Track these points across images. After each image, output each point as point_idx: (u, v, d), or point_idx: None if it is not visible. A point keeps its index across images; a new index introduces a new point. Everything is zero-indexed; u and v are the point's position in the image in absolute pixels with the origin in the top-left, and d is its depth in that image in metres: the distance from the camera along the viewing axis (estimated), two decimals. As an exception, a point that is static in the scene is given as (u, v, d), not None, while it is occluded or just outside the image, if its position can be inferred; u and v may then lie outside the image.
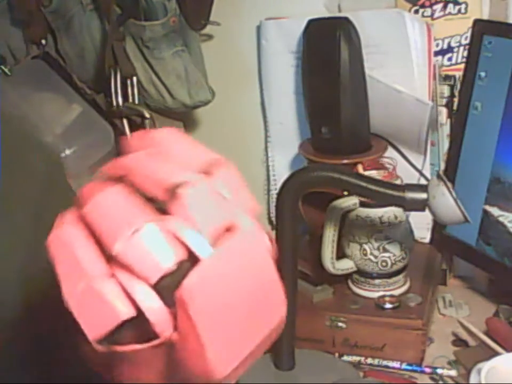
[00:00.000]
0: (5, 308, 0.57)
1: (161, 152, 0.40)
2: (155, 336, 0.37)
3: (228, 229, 0.38)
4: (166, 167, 0.38)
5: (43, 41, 1.27)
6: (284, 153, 1.31)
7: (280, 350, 0.96)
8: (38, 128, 1.13)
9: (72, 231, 0.38)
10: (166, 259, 0.36)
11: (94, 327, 0.37)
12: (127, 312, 0.37)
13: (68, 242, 0.37)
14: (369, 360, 1.01)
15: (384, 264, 1.03)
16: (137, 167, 0.39)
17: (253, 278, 0.39)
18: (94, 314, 0.37)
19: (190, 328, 0.36)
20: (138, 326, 0.37)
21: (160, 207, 0.38)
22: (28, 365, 0.58)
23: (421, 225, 1.18)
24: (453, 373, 0.96)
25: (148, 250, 0.36)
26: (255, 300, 0.40)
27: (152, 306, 0.37)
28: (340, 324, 1.02)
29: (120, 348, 0.38)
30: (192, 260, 0.37)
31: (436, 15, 1.15)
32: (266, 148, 1.35)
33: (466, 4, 1.13)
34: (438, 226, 1.15)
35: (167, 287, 0.36)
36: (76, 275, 0.37)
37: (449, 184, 0.80)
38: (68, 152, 1.14)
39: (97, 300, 0.37)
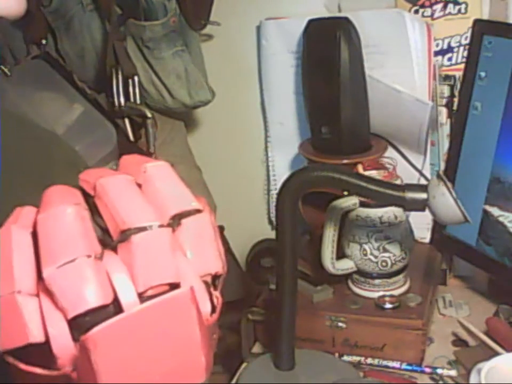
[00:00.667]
0: None
1: (143, 185, 0.39)
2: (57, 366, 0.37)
3: (168, 288, 0.38)
4: (135, 207, 0.38)
5: (43, 41, 1.27)
6: (284, 153, 1.31)
7: (280, 350, 0.96)
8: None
9: (19, 234, 0.37)
10: (90, 298, 0.36)
11: (4, 338, 0.37)
12: (36, 336, 0.37)
13: (9, 244, 0.37)
14: (369, 360, 1.01)
15: (384, 264, 1.03)
16: (110, 195, 0.38)
17: (169, 343, 0.37)
18: (7, 326, 0.37)
19: (90, 373, 0.36)
20: (46, 350, 0.37)
21: (110, 243, 0.38)
22: None
23: (421, 225, 1.18)
24: (453, 373, 0.96)
25: (75, 285, 0.35)
26: (167, 365, 0.38)
27: (60, 339, 0.36)
28: (340, 324, 1.02)
29: (22, 366, 0.38)
30: (117, 306, 0.36)
31: (436, 15, 1.15)
32: (266, 148, 1.35)
33: (466, 4, 1.13)
34: (438, 226, 1.15)
35: (82, 326, 0.36)
36: (3, 280, 0.36)
37: (449, 184, 0.80)
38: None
39: (14, 315, 0.36)
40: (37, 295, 0.37)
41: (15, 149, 0.60)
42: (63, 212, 0.37)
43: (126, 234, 0.37)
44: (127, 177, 0.39)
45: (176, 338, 0.37)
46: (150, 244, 0.37)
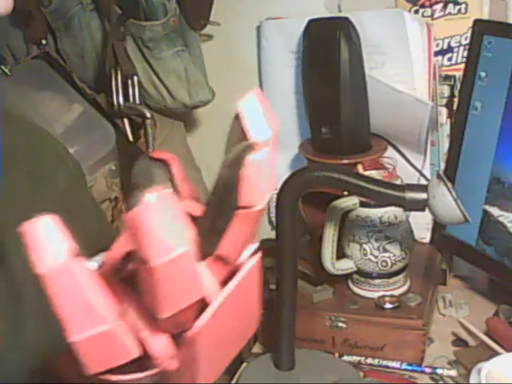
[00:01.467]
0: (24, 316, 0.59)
1: None
2: (151, 365, 0.38)
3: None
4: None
5: (43, 41, 1.27)
6: (284, 153, 1.31)
7: (280, 350, 0.96)
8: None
9: (78, 268, 0.36)
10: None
11: (98, 364, 0.37)
12: (137, 351, 0.37)
13: (77, 284, 0.36)
14: (369, 360, 1.01)
15: (384, 264, 1.03)
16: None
17: (243, 307, 0.41)
18: (102, 354, 0.37)
19: (191, 361, 0.38)
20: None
21: None
22: None
23: (421, 225, 1.18)
24: (453, 373, 0.96)
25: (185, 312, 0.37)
26: (241, 326, 0.41)
27: (158, 341, 0.38)
28: (340, 324, 1.02)
29: (114, 378, 0.38)
30: None
31: (436, 15, 1.15)
32: (266, 147, 1.35)
33: (466, 4, 1.13)
34: (438, 226, 1.15)
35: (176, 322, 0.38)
36: (86, 316, 0.36)
37: (449, 184, 0.80)
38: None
39: (111, 344, 0.37)
40: (121, 316, 0.37)
41: (4, 144, 0.60)
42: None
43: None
44: None
45: (249, 298, 0.41)
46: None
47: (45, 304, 0.35)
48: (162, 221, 0.34)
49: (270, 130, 0.41)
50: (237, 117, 0.39)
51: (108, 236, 0.59)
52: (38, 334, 0.59)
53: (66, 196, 0.64)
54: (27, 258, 0.60)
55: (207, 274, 0.38)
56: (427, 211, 0.83)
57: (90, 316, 0.36)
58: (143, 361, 0.38)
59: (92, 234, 0.57)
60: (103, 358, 0.37)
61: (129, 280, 0.40)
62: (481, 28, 1.04)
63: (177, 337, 0.38)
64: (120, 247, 0.41)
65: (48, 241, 0.34)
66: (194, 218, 0.39)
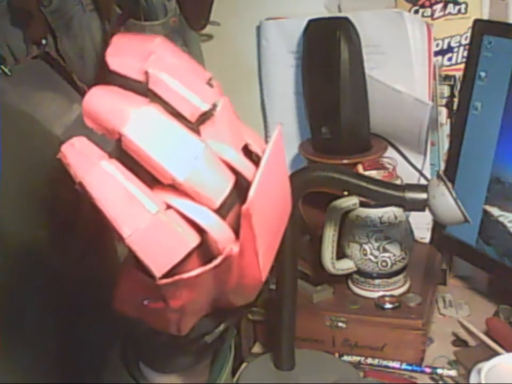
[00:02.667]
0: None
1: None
2: (213, 256, 0.38)
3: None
4: (193, 85, 0.38)
5: (43, 41, 1.27)
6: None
7: (280, 350, 0.96)
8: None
9: (112, 166, 0.36)
10: (226, 182, 0.37)
11: (161, 262, 0.36)
12: (194, 239, 0.37)
13: (114, 180, 0.35)
14: (369, 360, 1.01)
15: (384, 264, 1.03)
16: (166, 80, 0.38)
17: (279, 181, 0.41)
18: (161, 249, 0.36)
19: (250, 239, 0.37)
20: (196, 250, 0.38)
21: (187, 125, 0.37)
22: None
23: (421, 225, 1.18)
24: (453, 373, 0.96)
25: (209, 176, 0.36)
26: (281, 202, 0.41)
27: (216, 226, 0.37)
28: (340, 324, 1.02)
29: (185, 276, 0.37)
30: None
31: (436, 15, 1.15)
32: (266, 148, 1.35)
33: (466, 4, 1.13)
34: (438, 226, 1.15)
35: (226, 207, 0.37)
36: (133, 212, 0.35)
37: (449, 184, 0.80)
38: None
39: (165, 233, 0.36)
40: (168, 207, 0.37)
41: None
42: (149, 112, 0.36)
43: (206, 115, 0.38)
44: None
45: (280, 172, 0.41)
46: (226, 114, 0.39)
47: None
48: (110, 95, 0.37)
49: None
50: None
51: None
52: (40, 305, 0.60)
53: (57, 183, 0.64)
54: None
55: (228, 147, 0.38)
56: (427, 211, 0.83)
57: (137, 209, 0.35)
58: (207, 256, 0.38)
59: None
60: (164, 253, 0.36)
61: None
62: (481, 28, 1.04)
63: (233, 221, 0.38)
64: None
65: (83, 152, 0.36)
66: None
